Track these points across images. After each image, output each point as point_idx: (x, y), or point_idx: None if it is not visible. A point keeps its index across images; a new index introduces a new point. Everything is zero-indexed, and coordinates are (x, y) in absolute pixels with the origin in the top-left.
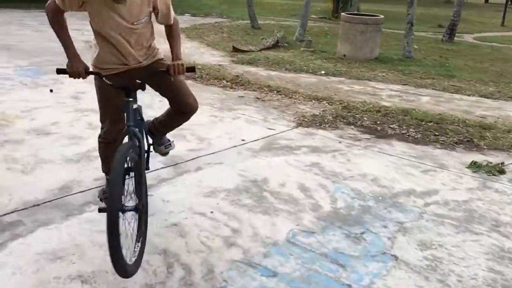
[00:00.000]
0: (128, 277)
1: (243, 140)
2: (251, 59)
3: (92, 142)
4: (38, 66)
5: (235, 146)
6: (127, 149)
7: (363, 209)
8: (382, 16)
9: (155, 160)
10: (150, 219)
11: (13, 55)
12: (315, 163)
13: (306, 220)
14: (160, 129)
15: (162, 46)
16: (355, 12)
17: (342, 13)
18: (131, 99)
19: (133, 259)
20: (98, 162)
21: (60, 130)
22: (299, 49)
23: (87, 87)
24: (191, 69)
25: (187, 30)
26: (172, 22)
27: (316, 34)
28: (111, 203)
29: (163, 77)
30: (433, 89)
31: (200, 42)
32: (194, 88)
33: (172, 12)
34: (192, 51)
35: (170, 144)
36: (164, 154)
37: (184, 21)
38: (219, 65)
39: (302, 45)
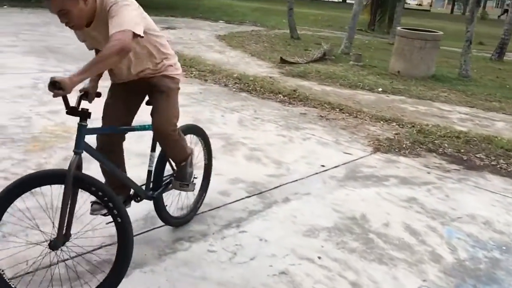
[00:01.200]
0: None
1: (322, 166)
2: (301, 72)
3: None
4: None
5: (317, 173)
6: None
7: (491, 262)
8: (441, 33)
9: (237, 187)
10: (253, 263)
11: (60, 59)
12: (412, 198)
13: (432, 275)
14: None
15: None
16: (412, 28)
17: (398, 28)
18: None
19: None
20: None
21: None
22: (348, 63)
23: None
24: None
25: (226, 37)
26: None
27: (359, 47)
28: None
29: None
30: (503, 113)
31: (243, 52)
32: (251, 102)
33: (116, 26)
34: (237, 61)
35: (187, 185)
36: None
37: (220, 28)
38: (270, 77)
39: (351, 59)
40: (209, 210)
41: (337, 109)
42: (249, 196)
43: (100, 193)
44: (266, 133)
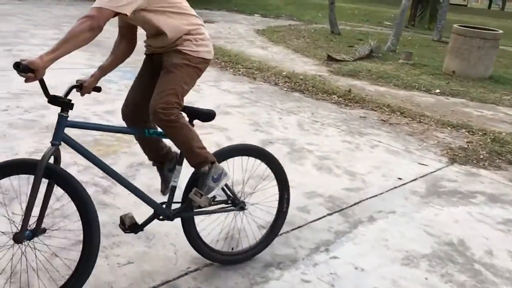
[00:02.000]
0: None
1: (399, 178)
2: (350, 71)
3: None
4: (134, 67)
5: (395, 187)
6: None
7: None
8: (501, 31)
9: (315, 202)
10: None
11: (106, 54)
12: (508, 220)
13: None
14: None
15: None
16: (470, 25)
17: (455, 25)
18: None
19: None
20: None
21: None
22: (397, 61)
23: (207, 95)
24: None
25: (265, 32)
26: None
27: (403, 44)
28: None
29: None
30: None
31: (286, 48)
32: (306, 103)
33: (96, 2)
34: (282, 57)
35: (201, 194)
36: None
37: (257, 22)
38: (319, 75)
39: (401, 57)
40: (292, 230)
41: (398, 113)
42: (331, 214)
43: (71, 190)
44: (329, 139)
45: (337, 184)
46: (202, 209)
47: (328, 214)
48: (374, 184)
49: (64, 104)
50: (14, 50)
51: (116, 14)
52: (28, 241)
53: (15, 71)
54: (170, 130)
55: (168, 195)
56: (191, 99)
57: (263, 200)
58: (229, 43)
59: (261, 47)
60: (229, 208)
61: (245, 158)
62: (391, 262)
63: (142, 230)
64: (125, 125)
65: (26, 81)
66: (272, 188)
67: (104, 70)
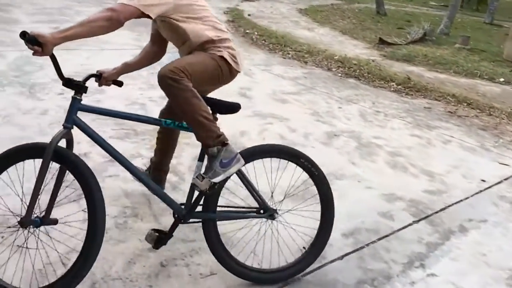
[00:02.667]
0: None
1: (483, 181)
2: (405, 55)
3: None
4: None
5: (481, 191)
6: None
7: None
8: None
9: (397, 206)
10: None
11: (142, 33)
12: None
13: None
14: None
15: None
16: None
17: None
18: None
19: None
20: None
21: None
22: (453, 45)
23: (261, 80)
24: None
25: (308, 12)
26: None
27: (455, 27)
28: None
29: None
30: None
31: (333, 29)
32: (364, 90)
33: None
34: (330, 40)
35: (202, 177)
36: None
37: (297, 0)
38: (372, 60)
39: (458, 42)
40: (379, 240)
41: (464, 104)
42: (417, 221)
43: (80, 177)
44: (396, 132)
45: (416, 185)
46: (223, 211)
47: (414, 222)
48: (457, 186)
49: (78, 87)
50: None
51: (142, 14)
52: (34, 228)
53: (65, 51)
54: (175, 92)
55: (187, 194)
56: (245, 84)
57: (299, 206)
58: (274, 23)
59: (307, 28)
60: (255, 214)
61: (283, 161)
62: (496, 283)
63: (171, 236)
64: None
65: (33, 54)
66: (311, 194)
67: (128, 67)
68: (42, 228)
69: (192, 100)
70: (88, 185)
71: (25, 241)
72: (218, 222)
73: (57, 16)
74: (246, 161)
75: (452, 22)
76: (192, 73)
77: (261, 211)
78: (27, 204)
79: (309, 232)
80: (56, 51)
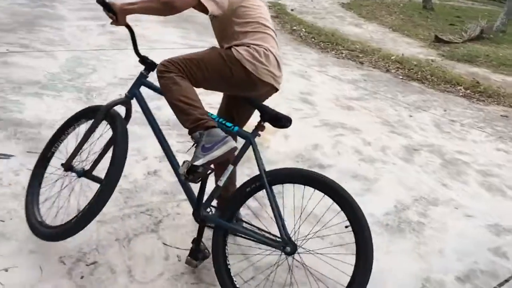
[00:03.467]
0: None
1: None
2: (465, 55)
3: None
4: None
5: None
6: None
7: None
8: None
9: (508, 241)
10: None
11: (200, 31)
12: None
13: None
14: None
15: None
16: None
17: None
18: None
19: None
20: None
21: (334, 161)
22: None
23: (319, 83)
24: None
25: (352, 6)
26: None
27: (510, 24)
28: None
29: None
30: None
31: (381, 25)
32: (431, 95)
33: None
34: (381, 37)
35: (184, 165)
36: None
37: None
38: (432, 60)
39: None
40: (500, 286)
41: None
42: None
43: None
44: (479, 146)
45: None
46: (238, 224)
47: None
48: None
49: (149, 65)
50: (108, 26)
51: (198, 6)
52: (77, 177)
53: (117, 51)
54: (160, 82)
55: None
56: (304, 88)
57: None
58: (319, 19)
59: (354, 24)
60: (270, 243)
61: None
62: None
63: (200, 241)
64: None
65: (111, 23)
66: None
67: None
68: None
69: (172, 87)
70: (119, 147)
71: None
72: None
73: (101, 12)
74: (272, 184)
75: (509, 19)
76: (188, 67)
77: (279, 242)
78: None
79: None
80: (108, 51)
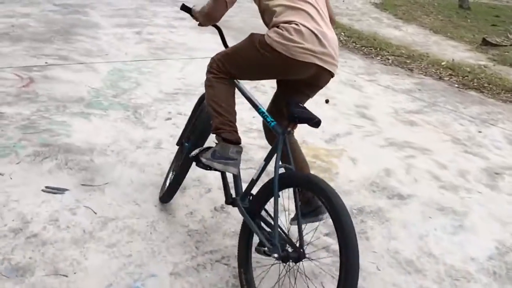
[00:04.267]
0: None
1: None
2: None
3: None
4: None
5: None
6: None
7: None
8: None
9: None
10: None
11: (236, 36)
12: None
13: None
14: None
15: None
16: None
17: None
18: None
19: None
20: None
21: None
22: None
23: (372, 94)
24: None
25: (386, 6)
26: None
27: None
28: None
29: None
30: None
31: (421, 27)
32: (493, 107)
33: None
34: (423, 40)
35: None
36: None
37: None
38: (484, 66)
39: None
40: None
41: None
42: None
43: None
44: None
45: None
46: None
47: None
48: None
49: None
50: (144, 33)
51: None
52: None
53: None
54: (204, 82)
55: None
56: (358, 101)
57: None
58: (355, 21)
59: (393, 27)
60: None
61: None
62: None
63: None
64: None
65: (198, 24)
66: None
67: None
68: None
69: (207, 89)
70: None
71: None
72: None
73: (134, 18)
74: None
75: None
76: (226, 64)
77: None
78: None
79: None
80: (148, 61)
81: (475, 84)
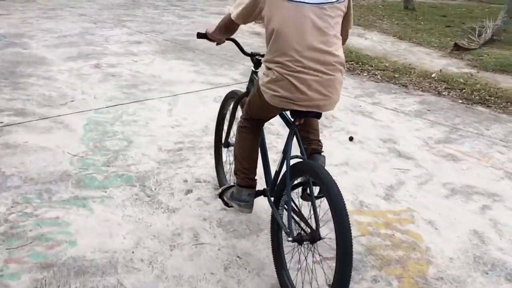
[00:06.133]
0: None
1: None
2: (497, 64)
3: None
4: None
5: None
6: None
7: None
8: None
9: None
10: None
11: (209, 62)
12: None
13: None
14: None
15: None
16: None
17: None
18: None
19: None
20: None
21: None
22: None
23: (388, 122)
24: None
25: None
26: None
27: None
28: None
29: None
30: None
31: (383, 33)
32: (508, 125)
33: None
34: (393, 48)
35: (221, 195)
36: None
37: None
38: (471, 74)
39: None
40: None
41: None
42: None
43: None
44: None
45: None
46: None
47: None
48: None
49: (257, 61)
50: (104, 66)
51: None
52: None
53: (139, 107)
54: (237, 128)
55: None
56: (378, 133)
57: None
58: None
59: (357, 35)
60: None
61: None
62: None
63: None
64: None
65: (216, 44)
66: None
67: None
68: None
69: (238, 144)
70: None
71: None
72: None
73: (84, 46)
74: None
75: (510, 17)
76: (249, 109)
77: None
78: None
79: None
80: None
81: (477, 97)
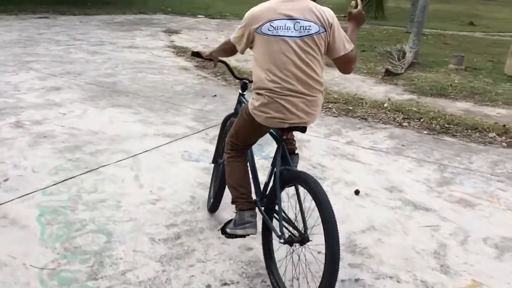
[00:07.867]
0: None
1: None
2: (432, 88)
3: None
4: (207, 128)
5: None
6: None
7: None
8: None
9: None
10: None
11: (150, 107)
12: None
13: None
14: None
15: None
16: None
17: None
18: None
19: None
20: None
21: None
22: (446, 67)
23: (376, 164)
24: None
25: None
26: None
27: (381, 40)
28: None
29: None
30: None
31: None
32: (487, 154)
33: None
34: (330, 77)
35: (224, 231)
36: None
37: (217, 26)
38: (416, 101)
39: (452, 62)
40: None
41: None
42: None
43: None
44: None
45: None
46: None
47: None
48: None
49: (244, 85)
50: (26, 124)
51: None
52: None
53: (100, 179)
54: (223, 161)
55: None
56: (379, 181)
57: None
58: (240, 62)
59: None
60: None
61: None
62: None
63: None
64: None
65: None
66: None
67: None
68: None
69: (225, 168)
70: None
71: None
72: None
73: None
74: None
75: (419, 40)
76: (234, 138)
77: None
78: None
79: None
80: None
81: (437, 126)
